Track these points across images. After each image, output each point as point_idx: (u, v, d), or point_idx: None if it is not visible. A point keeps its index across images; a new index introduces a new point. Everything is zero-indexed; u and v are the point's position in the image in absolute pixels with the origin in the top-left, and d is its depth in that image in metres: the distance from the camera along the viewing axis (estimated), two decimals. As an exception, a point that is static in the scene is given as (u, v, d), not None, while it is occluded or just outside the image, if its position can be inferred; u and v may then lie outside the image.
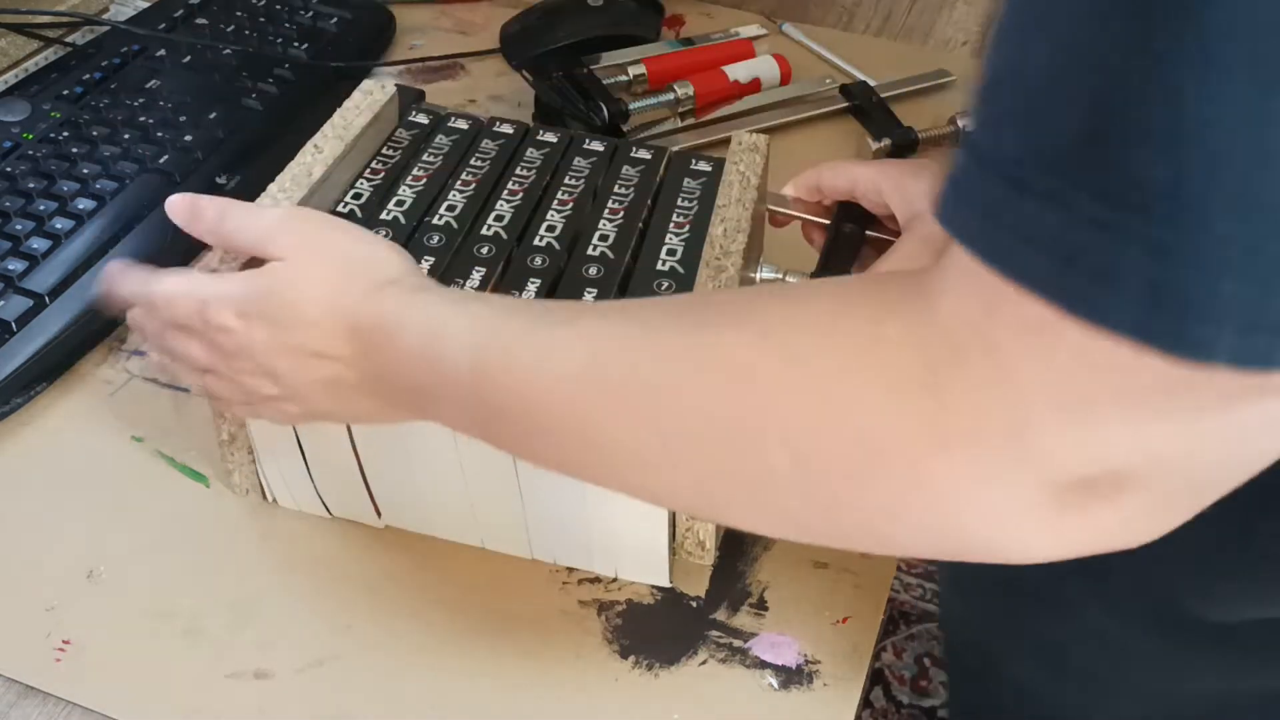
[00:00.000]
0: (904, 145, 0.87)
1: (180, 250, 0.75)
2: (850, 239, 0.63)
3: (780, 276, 0.62)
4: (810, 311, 0.37)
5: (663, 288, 0.58)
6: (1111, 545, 0.34)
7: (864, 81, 0.93)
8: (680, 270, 0.58)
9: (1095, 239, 0.28)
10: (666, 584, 0.59)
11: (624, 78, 0.90)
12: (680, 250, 0.60)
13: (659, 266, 0.59)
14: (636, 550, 0.58)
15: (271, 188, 0.58)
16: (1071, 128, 0.28)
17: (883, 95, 0.91)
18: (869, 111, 0.90)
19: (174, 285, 0.52)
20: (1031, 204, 0.29)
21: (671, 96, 0.88)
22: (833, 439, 0.35)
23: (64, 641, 0.56)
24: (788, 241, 0.68)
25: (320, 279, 0.49)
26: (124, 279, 0.53)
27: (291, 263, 0.49)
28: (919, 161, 0.64)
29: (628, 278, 0.59)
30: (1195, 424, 0.31)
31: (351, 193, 0.62)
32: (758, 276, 0.62)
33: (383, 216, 0.61)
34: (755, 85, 0.91)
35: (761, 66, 0.92)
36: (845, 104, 0.91)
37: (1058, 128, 0.29)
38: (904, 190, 0.61)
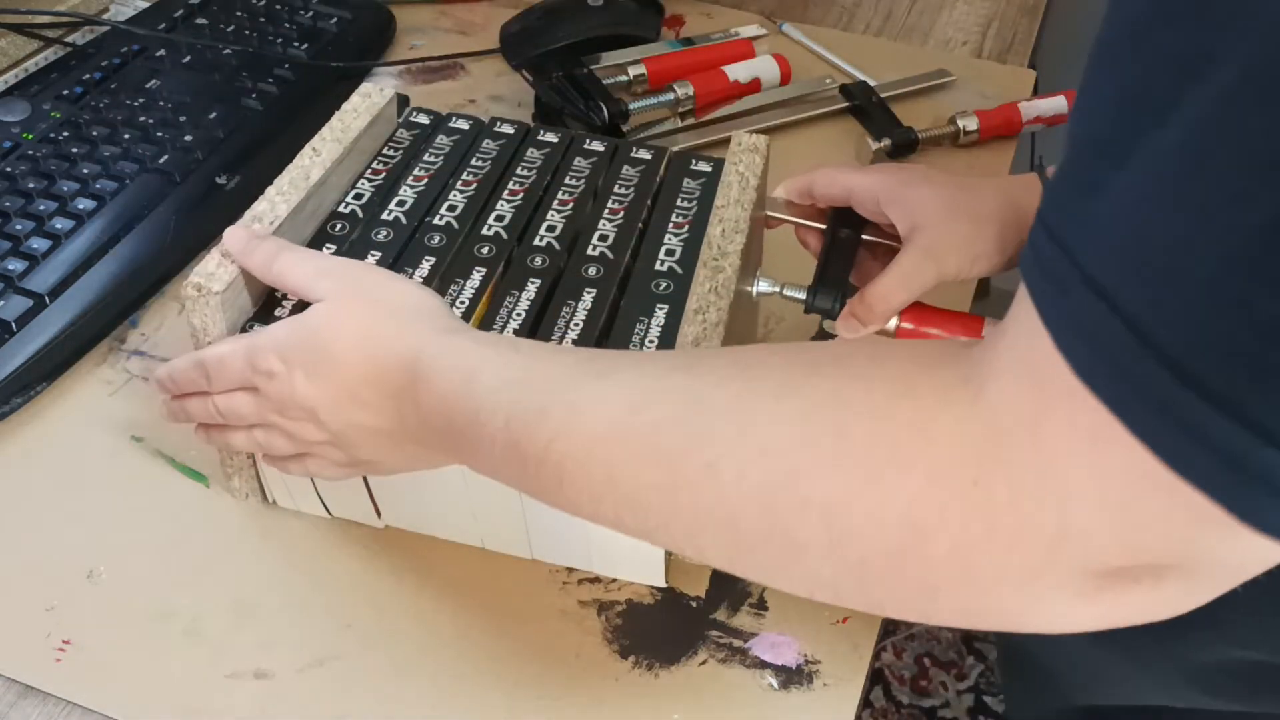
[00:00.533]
0: (904, 145, 0.87)
1: (180, 250, 0.75)
2: (846, 244, 0.63)
3: (777, 290, 0.62)
4: (857, 391, 0.37)
5: (660, 288, 0.58)
6: (1149, 619, 0.35)
7: (864, 81, 0.93)
8: (678, 271, 0.58)
9: (1189, 403, 0.29)
10: (662, 584, 0.59)
11: (624, 78, 0.90)
12: (679, 251, 0.60)
13: (657, 267, 0.59)
14: (633, 551, 0.58)
15: (270, 190, 0.58)
16: (1220, 328, 0.28)
17: (883, 95, 0.91)
18: (869, 111, 0.90)
19: (222, 345, 0.54)
20: (1209, 410, 0.29)
21: (671, 96, 0.88)
22: (875, 523, 0.35)
23: (64, 641, 0.56)
24: (785, 248, 0.68)
25: (354, 321, 0.50)
26: (173, 368, 0.56)
27: (328, 305, 0.51)
28: (912, 168, 0.64)
29: (627, 278, 0.59)
30: (1240, 535, 0.31)
31: (353, 193, 0.62)
32: (754, 290, 0.62)
33: (384, 216, 0.61)
34: (755, 85, 0.91)
35: (761, 66, 0.92)
36: (845, 104, 0.91)
37: (1208, 324, 0.29)
38: (903, 200, 0.60)
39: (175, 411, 0.58)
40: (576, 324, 0.56)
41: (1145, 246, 0.30)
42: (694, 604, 0.58)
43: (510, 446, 0.44)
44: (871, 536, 0.36)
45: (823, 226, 0.64)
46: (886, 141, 0.86)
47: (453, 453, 0.49)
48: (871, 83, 0.92)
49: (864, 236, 0.63)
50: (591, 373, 0.44)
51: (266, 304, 0.56)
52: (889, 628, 1.56)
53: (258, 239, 0.55)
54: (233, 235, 0.55)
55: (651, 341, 0.55)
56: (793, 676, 0.56)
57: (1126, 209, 0.30)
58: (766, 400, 0.39)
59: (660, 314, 0.56)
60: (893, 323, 0.62)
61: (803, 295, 0.62)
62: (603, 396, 0.42)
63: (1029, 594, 0.34)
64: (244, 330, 0.55)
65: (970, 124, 0.88)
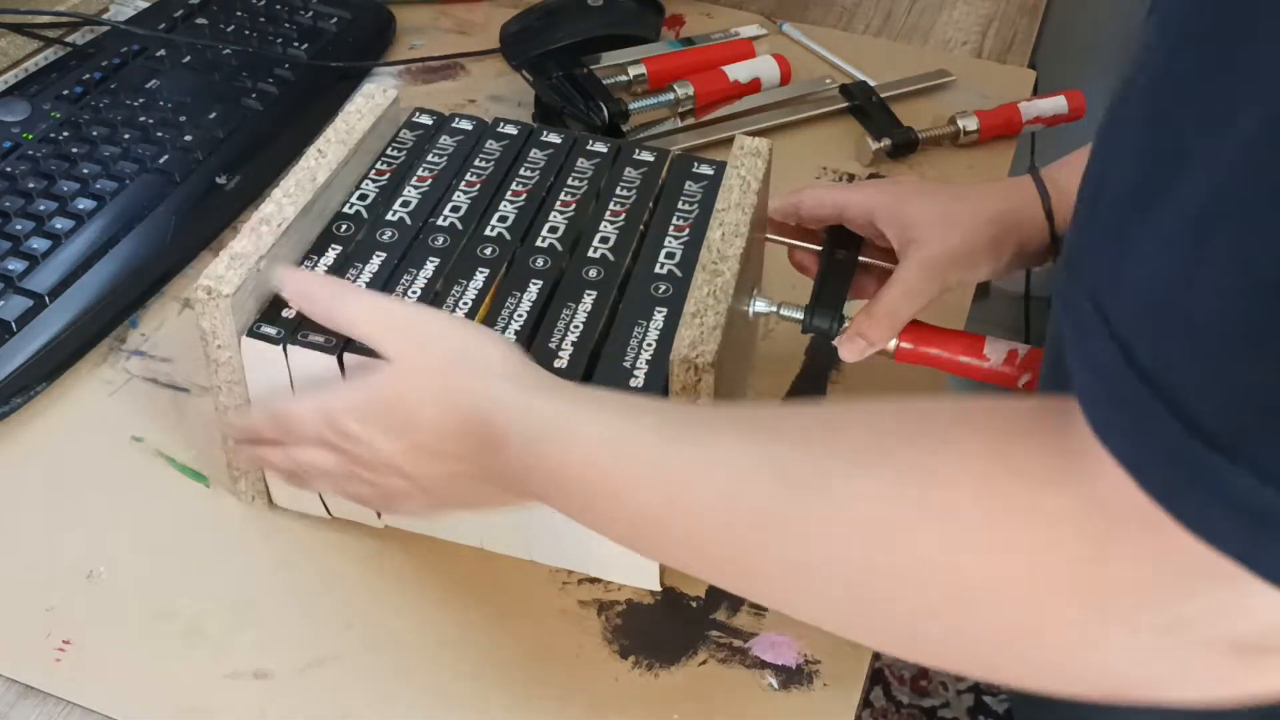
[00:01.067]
0: (904, 145, 0.87)
1: (180, 250, 0.75)
2: (843, 265, 0.63)
3: (774, 309, 0.62)
4: (949, 462, 0.37)
5: (660, 291, 0.58)
6: None
7: (864, 81, 0.93)
8: (678, 274, 0.58)
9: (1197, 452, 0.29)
10: (657, 588, 0.59)
11: (624, 78, 0.90)
12: (679, 253, 0.60)
13: (657, 270, 0.59)
14: (630, 554, 0.57)
15: (276, 193, 0.58)
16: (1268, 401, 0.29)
17: (883, 95, 0.91)
18: (869, 111, 0.90)
19: (299, 405, 0.54)
20: (1218, 461, 0.29)
21: (671, 96, 0.88)
22: (993, 600, 0.36)
23: (64, 641, 0.56)
24: (783, 267, 0.67)
25: (428, 380, 0.50)
26: (250, 422, 0.56)
27: (400, 365, 0.51)
28: (903, 181, 0.64)
29: (627, 280, 0.59)
30: None
31: (357, 193, 0.62)
32: (750, 310, 0.62)
33: (389, 217, 0.61)
34: (755, 85, 0.91)
35: (761, 66, 0.92)
36: (845, 104, 0.91)
37: (1251, 393, 0.29)
38: (899, 215, 0.60)
39: (252, 460, 0.58)
40: (576, 326, 0.56)
41: (1161, 296, 0.30)
42: (694, 604, 0.58)
43: (600, 509, 0.47)
44: (989, 611, 0.36)
45: (818, 248, 0.64)
46: (886, 141, 0.86)
47: (539, 499, 0.50)
48: (871, 83, 0.92)
49: (860, 258, 0.63)
50: (685, 439, 0.45)
51: (274, 304, 0.56)
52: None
53: (318, 280, 0.54)
54: (292, 278, 0.55)
55: (650, 345, 0.55)
56: (793, 676, 0.56)
57: (1146, 259, 0.31)
58: (849, 469, 0.39)
59: (659, 317, 0.56)
60: (892, 343, 0.62)
61: (800, 315, 0.62)
62: (694, 473, 0.43)
63: (1159, 669, 0.34)
64: (251, 332, 0.55)
65: (970, 124, 0.88)
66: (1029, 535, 0.35)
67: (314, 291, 0.54)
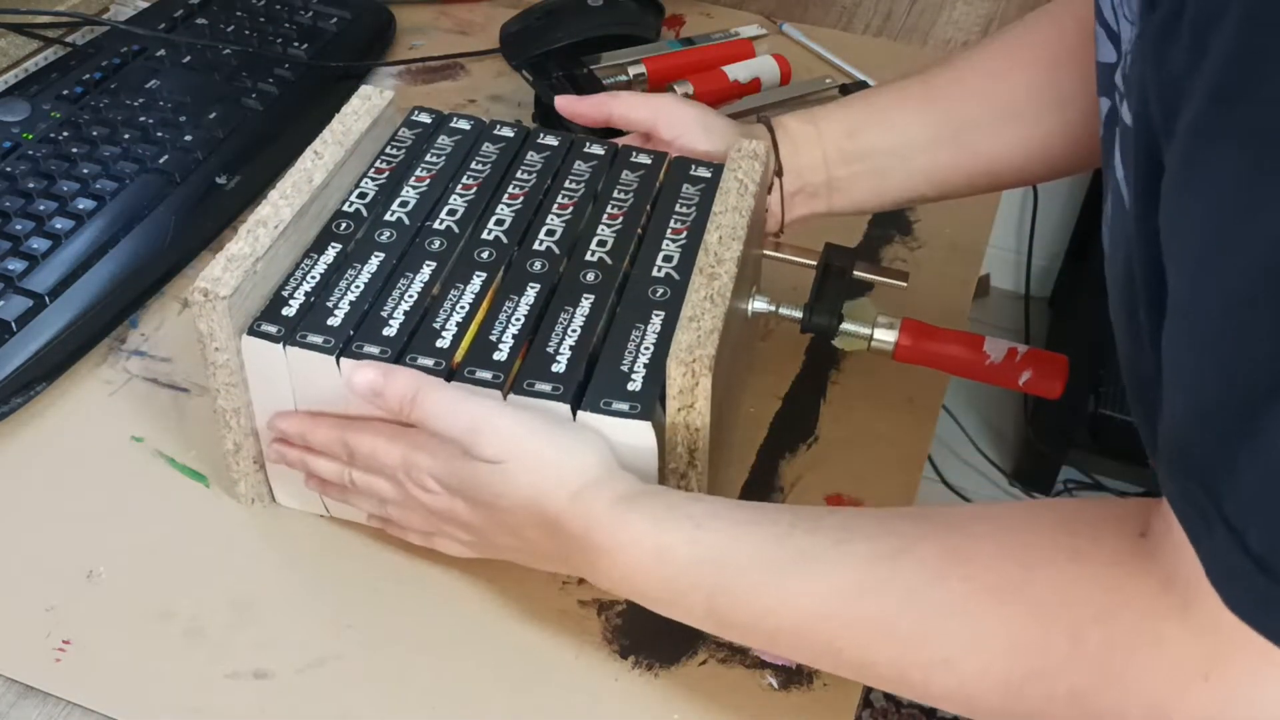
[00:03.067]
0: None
1: (180, 250, 0.75)
2: (839, 273, 0.64)
3: (774, 309, 0.62)
4: (1077, 592, 0.42)
5: (657, 294, 0.58)
6: None
7: (864, 81, 0.93)
8: (675, 277, 0.58)
9: None
10: None
11: (624, 78, 0.90)
12: (676, 257, 0.60)
13: (655, 273, 0.59)
14: None
15: (273, 194, 0.58)
16: None
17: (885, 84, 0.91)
18: (868, 112, 0.90)
19: (378, 440, 0.54)
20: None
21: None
22: (1119, 713, 0.41)
23: (64, 641, 0.56)
24: (781, 267, 0.68)
25: (524, 483, 0.51)
26: (309, 429, 0.56)
27: (497, 468, 0.51)
28: (693, 103, 0.71)
29: (624, 284, 0.59)
30: None
31: (357, 191, 0.62)
32: (749, 309, 0.62)
33: (387, 217, 0.61)
34: (755, 85, 0.91)
35: (761, 66, 0.92)
36: (845, 104, 0.91)
37: None
38: (708, 126, 0.68)
39: (293, 462, 0.58)
40: (574, 329, 0.56)
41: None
42: (693, 605, 0.58)
43: (713, 615, 0.49)
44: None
45: (814, 264, 0.65)
46: (886, 142, 0.86)
47: (625, 597, 0.53)
48: (871, 83, 0.92)
49: (856, 273, 0.64)
50: (793, 554, 0.47)
51: (273, 303, 0.56)
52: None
53: (397, 378, 0.53)
54: (362, 377, 0.53)
55: (647, 348, 0.55)
56: (793, 676, 0.56)
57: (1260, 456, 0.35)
58: (991, 602, 0.43)
59: (656, 320, 0.56)
60: (891, 337, 0.62)
61: (799, 314, 0.62)
62: (813, 585, 0.46)
63: None
64: (251, 330, 0.55)
65: (970, 124, 0.88)
66: (1152, 655, 0.40)
67: (390, 389, 0.53)
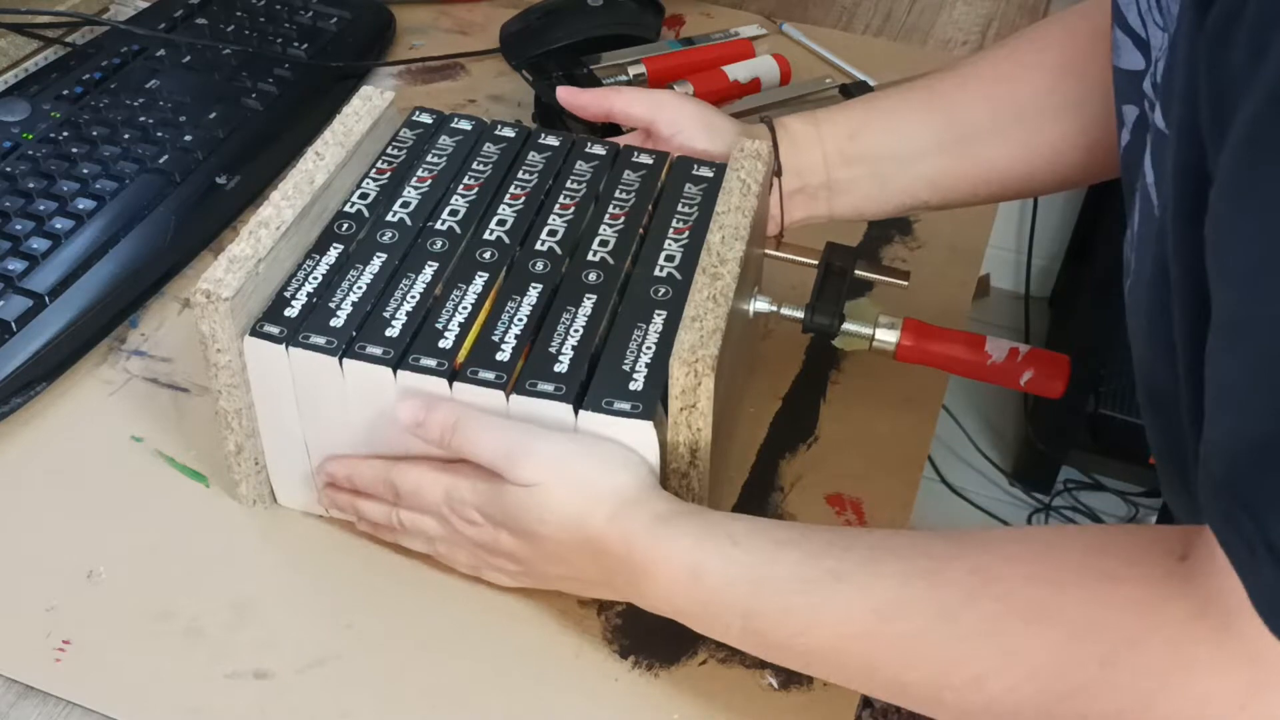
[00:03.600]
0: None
1: (180, 250, 0.75)
2: (840, 273, 0.64)
3: (775, 309, 0.62)
4: (1109, 618, 0.41)
5: (659, 294, 0.58)
6: None
7: (864, 81, 0.93)
8: (678, 276, 0.58)
9: None
10: None
11: (624, 78, 0.90)
12: (679, 257, 0.60)
13: (657, 273, 0.59)
14: None
15: (274, 195, 0.58)
16: None
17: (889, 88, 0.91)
18: (869, 112, 0.89)
19: (420, 475, 0.55)
20: None
21: (671, 97, 0.88)
22: None
23: (64, 641, 0.56)
24: (782, 267, 0.68)
25: (561, 508, 0.51)
26: (356, 471, 0.57)
27: (535, 491, 0.51)
28: (695, 100, 0.71)
29: (627, 283, 0.59)
30: None
31: (358, 192, 0.62)
32: (751, 309, 0.62)
33: (389, 218, 0.61)
34: (755, 85, 0.91)
35: (761, 66, 0.92)
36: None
37: None
38: (709, 123, 0.67)
39: (344, 506, 0.59)
40: (576, 330, 0.56)
41: None
42: (693, 605, 0.58)
43: (749, 634, 0.49)
44: None
45: (814, 263, 0.65)
46: (886, 142, 0.86)
47: (674, 618, 0.52)
48: (871, 83, 0.92)
49: (857, 273, 0.64)
50: (827, 574, 0.47)
51: (276, 304, 0.56)
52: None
53: (434, 405, 0.53)
54: (406, 409, 0.53)
55: (649, 348, 0.55)
56: (793, 676, 0.56)
57: None
58: (1022, 623, 0.43)
59: (659, 320, 0.56)
60: (893, 337, 0.62)
61: (800, 314, 0.62)
62: (846, 604, 0.47)
63: None
64: (254, 331, 0.55)
65: (970, 125, 0.88)
66: (1184, 682, 0.39)
67: (431, 421, 0.53)
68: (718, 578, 0.49)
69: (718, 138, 0.67)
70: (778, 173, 0.65)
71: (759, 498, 0.64)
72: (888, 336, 0.63)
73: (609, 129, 0.84)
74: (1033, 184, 0.67)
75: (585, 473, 0.52)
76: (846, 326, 0.64)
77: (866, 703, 1.47)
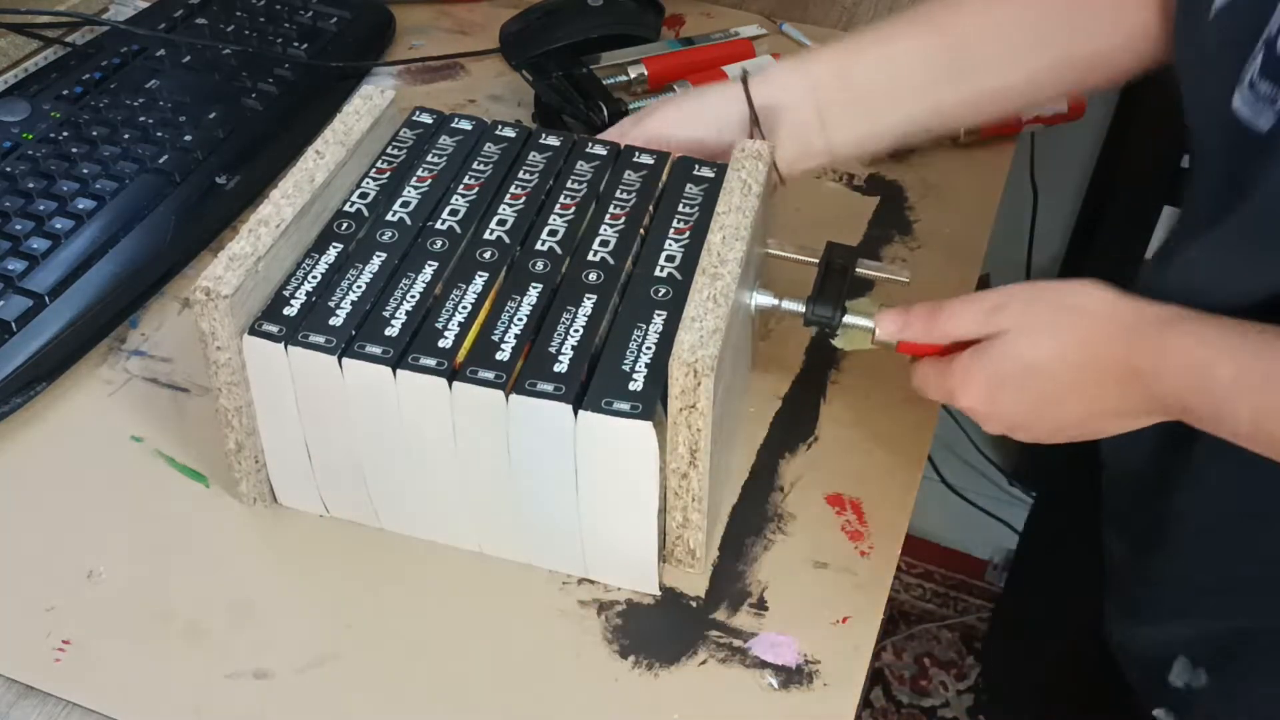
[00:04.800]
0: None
1: (180, 250, 0.75)
2: (841, 270, 0.64)
3: (776, 303, 0.62)
4: None
5: (660, 294, 0.58)
6: None
7: (864, 82, 0.93)
8: (678, 277, 0.58)
9: None
10: (656, 592, 0.59)
11: (624, 77, 0.90)
12: (679, 257, 0.60)
13: (657, 273, 0.59)
14: (627, 559, 0.58)
15: (274, 194, 0.58)
16: None
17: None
18: (869, 112, 0.89)
19: (921, 379, 0.58)
20: None
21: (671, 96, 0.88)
22: None
23: (64, 641, 0.56)
24: (783, 264, 0.67)
25: (1052, 339, 0.53)
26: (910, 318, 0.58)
27: (1020, 333, 0.53)
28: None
29: (627, 284, 0.59)
30: None
31: (358, 192, 0.62)
32: (752, 304, 0.62)
33: (389, 217, 0.61)
34: (755, 85, 0.91)
35: (761, 66, 0.92)
36: (845, 104, 0.91)
37: None
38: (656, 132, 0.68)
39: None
40: (576, 330, 0.56)
41: None
42: (694, 604, 0.58)
43: (1258, 437, 0.49)
44: None
45: (815, 261, 0.65)
46: (886, 142, 0.86)
47: (1189, 423, 0.52)
48: (871, 83, 0.92)
49: (859, 270, 0.64)
50: None
51: (275, 303, 0.56)
52: (889, 628, 1.56)
53: (914, 311, 0.57)
54: (889, 323, 0.58)
55: (649, 348, 0.55)
56: (793, 676, 0.56)
57: None
58: None
59: (659, 320, 0.56)
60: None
61: (801, 307, 0.62)
62: None
63: None
64: (253, 330, 0.55)
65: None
66: None
67: (911, 319, 0.57)
68: (1226, 379, 0.49)
69: (710, 119, 0.67)
70: (756, 123, 0.66)
71: (759, 498, 0.64)
72: None
73: (610, 127, 0.84)
74: (1034, 100, 0.69)
75: (1062, 300, 0.53)
76: (848, 319, 0.63)
77: (867, 703, 1.47)
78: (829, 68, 0.66)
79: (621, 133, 0.69)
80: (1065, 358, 0.52)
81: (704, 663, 0.56)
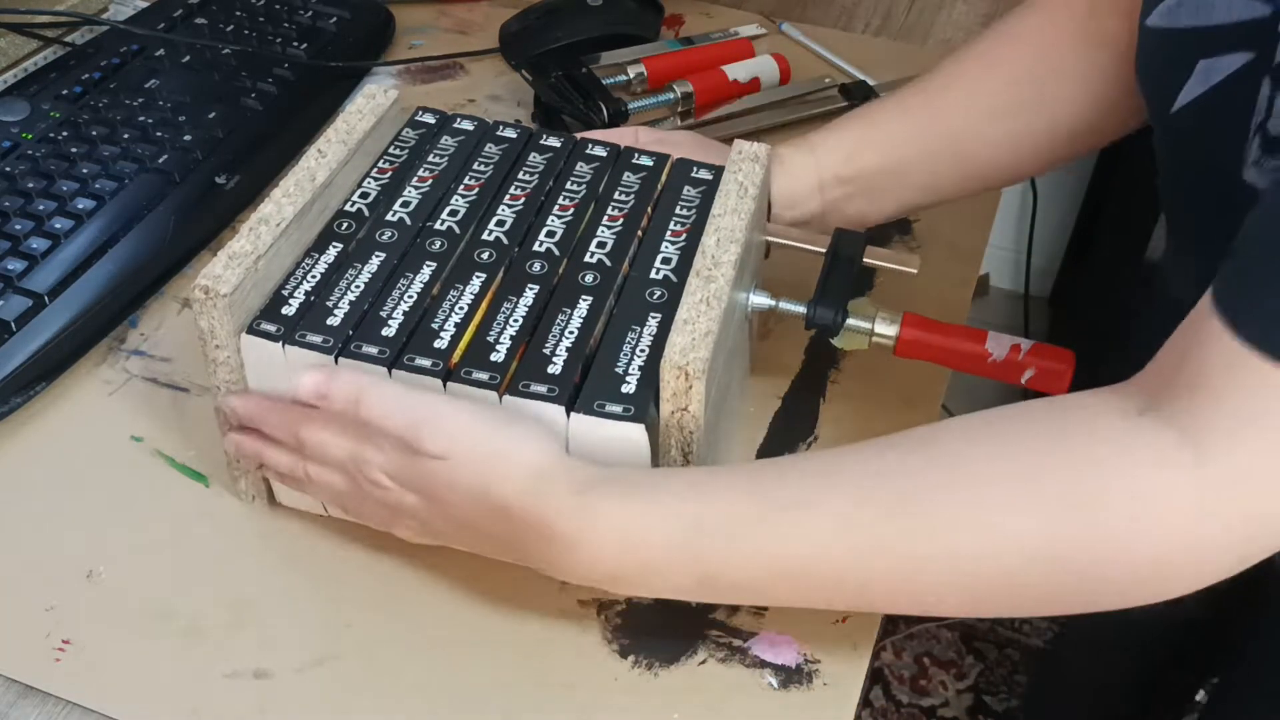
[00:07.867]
0: (903, 145, 0.87)
1: (179, 250, 0.75)
2: (847, 263, 0.63)
3: (773, 304, 0.62)
4: (1089, 475, 0.45)
5: (655, 296, 0.58)
6: None
7: (863, 81, 0.93)
8: (673, 279, 0.58)
9: None
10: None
11: (624, 77, 0.90)
12: (675, 259, 0.60)
13: (653, 275, 0.59)
14: None
15: (276, 192, 0.58)
16: None
17: (882, 95, 0.91)
18: (868, 112, 0.89)
19: (325, 431, 0.54)
20: None
21: (671, 96, 0.88)
22: (1136, 562, 0.45)
23: (64, 641, 0.56)
24: (781, 264, 0.68)
25: (471, 478, 0.50)
26: (258, 409, 0.56)
27: (444, 464, 0.51)
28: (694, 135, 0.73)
29: (623, 285, 0.59)
30: None
31: (359, 192, 0.62)
32: (748, 304, 0.62)
33: (388, 217, 0.61)
34: (755, 85, 0.91)
35: (761, 66, 0.92)
36: (844, 104, 0.91)
37: None
38: (707, 150, 0.69)
39: (248, 452, 0.57)
40: (571, 331, 0.56)
41: None
42: (693, 604, 0.58)
43: (704, 580, 0.50)
44: (1140, 578, 0.45)
45: (822, 250, 0.64)
46: (886, 142, 0.86)
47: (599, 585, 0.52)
48: (871, 82, 0.92)
49: (866, 259, 0.64)
50: (776, 505, 0.48)
51: (273, 302, 0.56)
52: (889, 627, 1.56)
53: (339, 381, 0.53)
54: (308, 380, 0.53)
55: (643, 350, 0.55)
56: (792, 676, 0.56)
57: None
58: (987, 489, 0.46)
59: (653, 323, 0.56)
60: (893, 331, 0.62)
61: (801, 309, 0.62)
62: (802, 531, 0.48)
63: None
64: (251, 329, 0.55)
65: (969, 124, 0.88)
66: (1161, 514, 0.43)
67: (333, 391, 0.53)
68: (659, 535, 0.49)
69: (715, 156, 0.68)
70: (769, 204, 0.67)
71: (758, 497, 0.64)
72: (887, 330, 0.63)
73: (610, 126, 0.84)
74: (1019, 172, 0.69)
75: (493, 444, 0.51)
76: (849, 322, 0.63)
77: (866, 702, 1.47)
78: (836, 157, 0.68)
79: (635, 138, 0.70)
80: (477, 511, 0.52)
81: (704, 662, 0.56)
